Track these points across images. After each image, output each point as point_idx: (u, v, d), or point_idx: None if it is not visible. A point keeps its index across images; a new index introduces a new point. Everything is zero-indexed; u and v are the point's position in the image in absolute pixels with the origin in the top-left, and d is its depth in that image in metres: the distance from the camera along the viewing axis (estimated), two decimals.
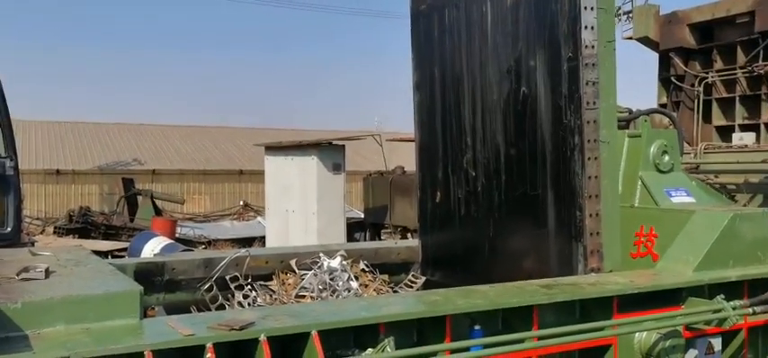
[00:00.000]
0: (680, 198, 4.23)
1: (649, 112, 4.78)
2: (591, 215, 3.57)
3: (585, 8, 3.57)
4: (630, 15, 14.01)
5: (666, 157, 4.33)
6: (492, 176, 4.15)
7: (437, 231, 4.69)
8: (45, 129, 28.11)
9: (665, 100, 11.36)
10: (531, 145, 3.86)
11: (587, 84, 3.54)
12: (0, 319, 2.19)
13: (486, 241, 4.19)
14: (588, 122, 3.55)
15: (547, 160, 3.78)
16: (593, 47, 3.56)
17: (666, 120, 7.55)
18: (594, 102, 3.57)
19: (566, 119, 3.63)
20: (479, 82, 4.23)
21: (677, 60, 11.06)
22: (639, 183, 4.27)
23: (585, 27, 3.56)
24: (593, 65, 3.56)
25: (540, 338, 2.95)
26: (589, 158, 3.56)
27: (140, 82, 61.59)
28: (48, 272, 2.81)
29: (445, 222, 4.57)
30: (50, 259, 3.18)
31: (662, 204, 4.14)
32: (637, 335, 3.25)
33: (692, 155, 9.33)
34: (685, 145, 8.91)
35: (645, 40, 11.61)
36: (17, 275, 2.75)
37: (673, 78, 11.18)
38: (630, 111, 5.77)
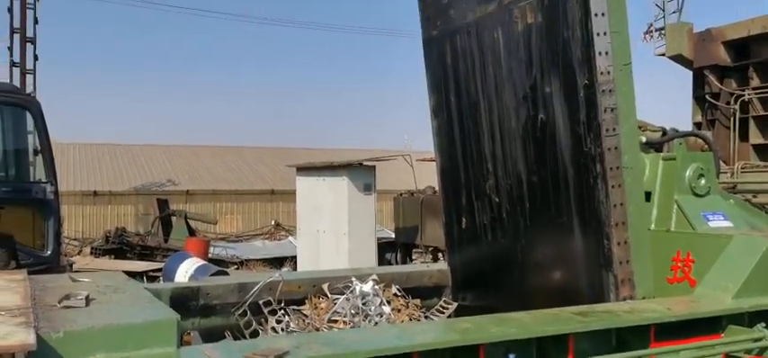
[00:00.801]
0: (717, 222, 4.15)
1: (683, 135, 4.71)
2: (619, 243, 3.49)
3: (598, 34, 3.46)
4: (663, 32, 13.86)
5: (703, 181, 4.26)
6: (516, 202, 4.09)
7: (466, 256, 4.67)
8: (82, 151, 28.78)
9: (699, 118, 11.19)
10: (553, 172, 3.78)
11: (606, 110, 3.45)
12: (43, 349, 2.24)
13: (515, 267, 4.16)
14: (609, 149, 3.46)
15: (570, 187, 3.72)
16: (608, 72, 3.46)
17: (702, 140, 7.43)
18: (614, 129, 3.48)
19: (586, 146, 3.54)
20: (496, 108, 4.16)
21: (712, 78, 10.92)
22: (675, 206, 4.20)
23: (600, 53, 3.46)
24: (611, 90, 3.47)
25: None
26: (613, 186, 3.47)
27: (174, 103, 62.78)
28: (88, 300, 2.87)
29: (473, 247, 4.55)
30: (90, 286, 3.25)
31: (699, 229, 4.07)
32: None
33: (729, 174, 9.16)
34: (722, 164, 8.75)
35: (678, 58, 11.48)
36: (59, 303, 2.81)
37: (708, 96, 11.02)
38: (664, 131, 5.69)
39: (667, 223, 4.24)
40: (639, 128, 6.55)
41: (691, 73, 11.33)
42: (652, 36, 16.16)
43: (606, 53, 3.46)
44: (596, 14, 3.44)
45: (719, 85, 10.80)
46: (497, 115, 4.16)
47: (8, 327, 2.27)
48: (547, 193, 3.86)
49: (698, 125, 10.83)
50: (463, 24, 4.29)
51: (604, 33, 3.45)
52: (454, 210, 4.70)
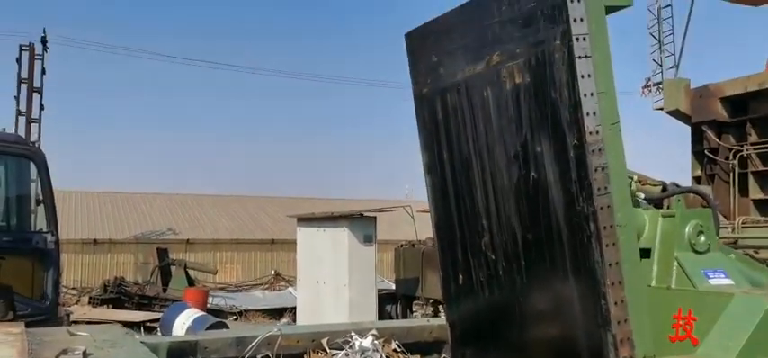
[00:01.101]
0: (718, 280, 4.13)
1: (683, 191, 4.73)
2: (616, 303, 3.46)
3: (585, 95, 3.47)
4: (660, 87, 14.04)
5: (702, 238, 4.25)
6: (512, 260, 4.07)
7: (464, 313, 4.63)
8: (84, 198, 28.84)
9: (699, 173, 11.24)
10: (547, 231, 3.77)
11: (596, 170, 3.44)
12: None
13: (514, 325, 4.13)
14: (601, 208, 3.44)
15: (565, 246, 3.70)
16: (597, 132, 3.47)
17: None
18: (606, 187, 3.46)
19: (578, 205, 3.54)
20: (488, 165, 4.16)
21: (710, 133, 11.00)
22: (675, 264, 4.19)
23: (587, 113, 3.46)
24: (600, 150, 3.47)
25: None
26: (607, 245, 3.46)
27: (176, 152, 63.19)
28: (85, 355, 2.85)
29: (471, 304, 4.51)
30: (88, 340, 3.24)
31: (700, 286, 4.05)
32: None
33: (730, 229, 9.16)
34: (723, 219, 8.75)
35: (676, 113, 11.61)
36: None
37: (706, 151, 11.09)
38: (664, 186, 5.71)
39: (668, 280, 4.22)
40: (639, 182, 6.58)
41: (689, 127, 11.44)
42: (650, 90, 16.38)
43: (594, 113, 3.47)
44: (582, 76, 3.46)
45: (718, 140, 10.88)
46: (490, 173, 4.15)
47: None
48: (542, 252, 3.85)
49: (697, 179, 10.87)
50: (453, 82, 4.29)
51: (591, 94, 3.47)
52: (451, 266, 4.66)
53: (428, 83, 4.52)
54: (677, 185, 5.56)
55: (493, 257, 4.16)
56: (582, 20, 3.45)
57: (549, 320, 3.90)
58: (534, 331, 4.00)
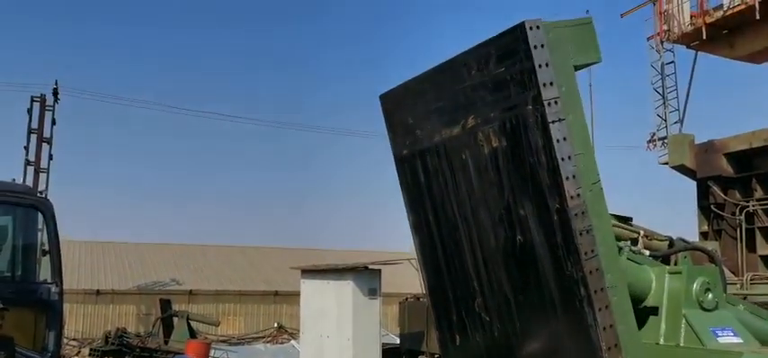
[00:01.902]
0: (727, 338, 4.09)
1: (687, 249, 4.72)
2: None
3: (563, 159, 3.39)
4: (665, 141, 14.08)
5: (710, 295, 4.23)
6: (506, 322, 3.96)
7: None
8: (88, 248, 28.80)
9: (705, 228, 11.20)
10: (538, 294, 3.68)
11: (581, 234, 3.37)
12: None
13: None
14: (591, 272, 3.37)
15: (558, 310, 3.61)
16: (578, 195, 3.39)
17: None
18: (593, 250, 3.39)
19: (567, 270, 3.46)
20: (474, 228, 4.06)
21: (716, 189, 11.00)
22: (684, 321, 4.16)
23: (567, 178, 3.39)
24: (583, 213, 3.39)
25: None
26: (600, 309, 3.37)
27: (180, 202, 63.42)
28: None
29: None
30: None
31: (708, 344, 4.01)
32: None
33: (739, 285, 9.07)
34: (731, 275, 8.67)
35: (681, 168, 11.63)
36: None
37: (713, 206, 11.08)
38: (671, 241, 5.68)
39: (677, 338, 4.18)
40: (646, 237, 6.55)
41: (694, 183, 11.45)
42: (655, 145, 16.44)
43: (573, 177, 3.40)
44: (558, 141, 3.38)
45: (724, 195, 10.88)
46: (477, 235, 4.05)
47: None
48: (536, 315, 3.76)
49: (704, 235, 10.83)
50: (431, 145, 4.19)
51: (569, 157, 3.40)
52: (446, 327, 4.55)
53: (407, 144, 4.41)
54: (684, 241, 5.55)
55: (488, 319, 4.07)
56: (551, 83, 3.39)
57: None
58: None
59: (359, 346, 13.39)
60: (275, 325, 26.06)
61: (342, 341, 13.65)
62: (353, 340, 13.39)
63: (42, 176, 17.53)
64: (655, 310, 4.38)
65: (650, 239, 6.89)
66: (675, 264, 4.62)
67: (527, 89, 3.42)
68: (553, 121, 3.37)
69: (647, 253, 4.95)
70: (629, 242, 5.07)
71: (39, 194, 11.47)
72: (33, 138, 17.71)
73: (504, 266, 3.89)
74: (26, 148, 17.49)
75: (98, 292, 24.91)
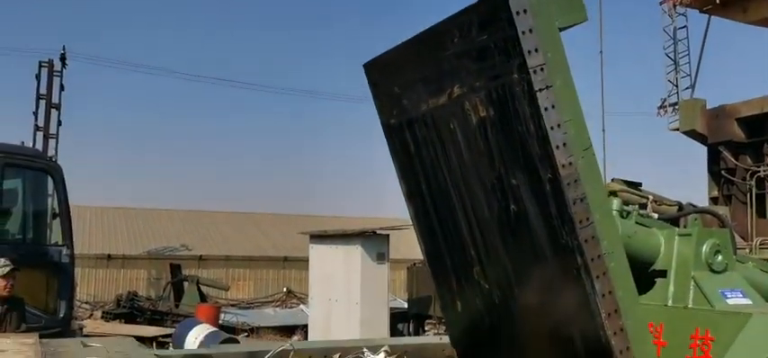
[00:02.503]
0: (736, 300, 4.08)
1: (699, 211, 4.69)
2: (615, 333, 3.38)
3: (552, 128, 3.29)
4: (676, 107, 13.96)
5: (719, 257, 4.21)
6: (506, 290, 3.94)
7: (466, 337, 4.54)
8: (98, 214, 29.06)
9: (716, 193, 11.15)
10: (535, 264, 3.65)
11: (574, 203, 3.29)
12: None
13: (516, 352, 4.05)
14: (586, 241, 3.31)
15: (555, 279, 3.57)
16: (569, 164, 3.30)
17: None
18: (588, 218, 3.32)
19: (562, 239, 3.40)
20: (467, 197, 3.99)
21: (727, 154, 10.93)
22: (692, 283, 4.15)
23: (557, 147, 3.29)
24: (576, 181, 3.31)
25: None
26: (597, 277, 3.32)
27: (190, 169, 63.64)
28: None
29: (472, 329, 4.42)
30: (101, 352, 3.24)
31: (717, 306, 4.00)
32: None
33: (748, 250, 9.05)
34: (740, 240, 8.64)
35: (692, 134, 11.54)
36: None
37: (723, 172, 11.02)
38: (680, 206, 5.64)
39: (685, 300, 4.18)
40: (655, 202, 6.52)
41: (705, 148, 11.37)
42: (666, 111, 16.29)
43: (563, 145, 3.30)
44: (546, 109, 3.28)
45: (734, 160, 10.80)
46: (470, 205, 3.99)
47: None
48: (533, 283, 3.73)
49: (714, 200, 10.78)
50: (419, 114, 4.09)
51: (558, 125, 3.30)
52: (447, 293, 4.54)
53: (394, 114, 4.33)
54: (693, 206, 5.50)
55: (487, 286, 4.04)
56: (536, 50, 3.28)
57: (551, 350, 3.81)
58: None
59: (367, 310, 13.50)
60: (284, 289, 26.31)
61: (350, 305, 13.77)
62: (362, 304, 13.50)
63: (51, 142, 17.60)
64: (663, 273, 4.37)
65: (659, 204, 6.85)
66: (685, 228, 4.60)
67: (511, 57, 3.33)
68: (540, 90, 3.27)
69: (656, 217, 4.93)
70: (637, 206, 5.04)
71: (49, 159, 11.51)
72: (42, 104, 17.76)
73: (499, 235, 3.83)
74: (35, 114, 17.56)
75: (109, 257, 25.19)
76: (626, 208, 4.65)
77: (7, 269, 5.49)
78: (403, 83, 4.16)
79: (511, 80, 3.37)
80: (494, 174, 3.71)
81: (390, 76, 4.25)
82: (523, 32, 3.26)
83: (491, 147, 3.66)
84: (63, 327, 6.91)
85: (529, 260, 3.71)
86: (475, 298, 4.19)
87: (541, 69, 3.27)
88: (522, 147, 3.45)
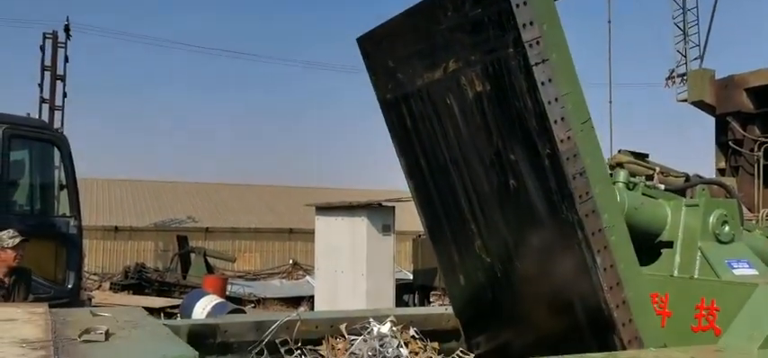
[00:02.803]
0: (742, 270, 4.07)
1: (705, 182, 4.67)
2: (617, 306, 3.37)
3: (549, 102, 3.21)
4: (685, 78, 13.85)
5: (727, 228, 4.20)
6: (507, 263, 3.92)
7: (471, 308, 4.55)
8: (105, 186, 29.20)
9: (723, 165, 11.10)
10: (537, 238, 3.62)
11: (574, 178, 3.23)
12: None
13: (520, 323, 4.06)
14: (587, 215, 3.28)
15: (557, 253, 3.54)
16: (568, 138, 3.23)
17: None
18: (587, 192, 3.27)
19: (563, 213, 3.36)
20: (466, 172, 3.93)
21: (735, 125, 10.84)
22: (699, 253, 4.15)
23: (555, 121, 3.21)
24: (575, 155, 3.24)
25: None
26: (598, 251, 3.30)
27: (197, 141, 63.76)
28: (108, 335, 2.88)
29: (476, 301, 4.43)
30: (110, 321, 3.27)
31: (723, 276, 4.00)
32: None
33: (755, 222, 9.01)
34: (747, 212, 8.61)
35: (700, 104, 11.45)
36: (79, 337, 2.83)
37: (731, 143, 10.94)
38: (687, 177, 5.61)
39: (691, 270, 4.17)
40: (661, 174, 6.48)
41: (713, 119, 11.30)
42: (674, 82, 16.17)
43: (561, 119, 3.23)
44: (543, 83, 3.19)
45: (743, 131, 10.72)
46: (469, 179, 3.93)
47: None
48: (535, 258, 3.70)
49: (721, 171, 10.74)
50: (415, 89, 3.99)
51: (556, 99, 3.21)
52: (449, 266, 4.52)
53: (390, 88, 4.23)
54: (700, 177, 5.48)
55: (489, 260, 4.01)
56: (531, 23, 3.18)
57: (553, 322, 3.82)
58: (541, 331, 3.91)
59: (373, 281, 13.58)
60: (290, 261, 26.46)
61: (356, 276, 13.85)
62: (367, 275, 13.57)
63: (57, 114, 17.61)
64: (670, 244, 4.37)
65: (666, 176, 6.82)
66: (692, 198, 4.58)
67: (506, 31, 3.23)
68: (536, 64, 3.18)
69: (663, 188, 4.91)
70: (644, 178, 5.03)
71: (55, 130, 11.52)
72: (47, 76, 17.73)
73: (499, 210, 3.79)
74: (40, 86, 17.55)
75: (116, 229, 25.34)
76: (633, 179, 4.63)
77: (18, 240, 5.51)
78: (397, 57, 4.06)
79: (506, 54, 3.28)
80: (492, 150, 3.64)
81: (384, 51, 4.14)
82: (518, 5, 3.16)
83: (488, 122, 3.59)
84: (72, 298, 6.99)
85: (530, 235, 3.68)
86: (477, 271, 4.18)
87: (537, 43, 3.17)
88: (520, 122, 3.37)
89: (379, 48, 4.18)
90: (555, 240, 3.52)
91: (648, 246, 4.44)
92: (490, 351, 4.38)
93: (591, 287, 3.40)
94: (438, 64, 3.73)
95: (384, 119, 4.41)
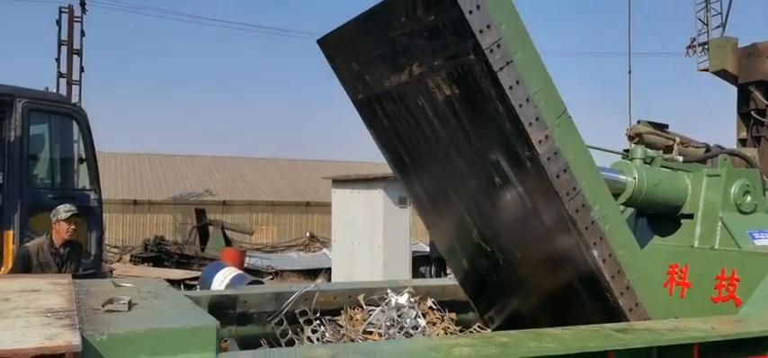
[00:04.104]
0: (764, 240, 4.04)
1: (725, 153, 4.61)
2: (621, 293, 3.32)
3: (520, 105, 3.04)
4: (706, 47, 13.62)
5: (748, 198, 4.16)
6: (507, 252, 3.84)
7: (480, 292, 4.53)
8: (123, 159, 29.44)
9: (744, 134, 10.93)
10: (533, 231, 3.51)
11: (558, 176, 3.12)
12: (87, 351, 2.29)
13: (526, 301, 4.04)
14: (577, 210, 3.19)
15: (554, 246, 3.47)
16: (546, 137, 3.10)
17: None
18: (574, 188, 3.16)
19: (552, 211, 3.29)
20: (450, 169, 3.80)
21: (758, 94, 10.65)
22: (720, 224, 4.11)
23: (529, 123, 3.06)
24: (555, 153, 3.12)
25: None
26: (594, 243, 3.23)
27: (212, 115, 64.00)
28: (130, 305, 2.92)
29: (483, 285, 4.42)
30: (132, 291, 3.32)
31: (744, 247, 3.97)
32: None
33: None
34: None
35: (722, 73, 11.25)
36: (102, 307, 2.88)
37: (753, 112, 10.76)
38: (707, 147, 5.54)
39: (711, 240, 4.15)
40: (681, 144, 6.40)
41: (735, 88, 11.12)
42: (695, 51, 15.91)
43: (536, 119, 3.07)
44: (511, 87, 3.01)
45: (765, 101, 10.54)
46: (456, 176, 3.81)
47: (54, 329, 2.33)
48: (535, 248, 3.62)
49: (743, 142, 10.59)
50: (384, 90, 3.79)
51: (527, 100, 3.04)
52: (452, 255, 4.48)
53: (359, 89, 4.04)
54: (721, 147, 5.41)
55: (489, 249, 3.94)
56: (488, 26, 2.95)
57: (563, 308, 3.78)
58: (549, 315, 3.88)
59: (389, 253, 13.63)
60: (307, 234, 26.61)
61: (373, 249, 13.90)
62: (384, 247, 13.62)
63: (75, 89, 17.73)
64: (690, 215, 4.34)
65: (686, 146, 6.74)
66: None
67: (464, 37, 3.01)
68: (501, 68, 2.99)
69: (682, 159, 4.86)
70: (661, 151, 4.97)
71: (73, 104, 11.61)
72: (64, 50, 17.82)
73: (491, 206, 3.69)
74: (57, 61, 17.65)
75: (135, 202, 25.60)
76: (650, 153, 4.59)
77: (71, 213, 5.73)
78: (360, 61, 3.86)
79: (468, 61, 3.09)
80: (472, 149, 3.52)
81: (346, 54, 3.93)
82: (471, 11, 2.93)
83: (464, 124, 3.44)
84: (94, 269, 7.09)
85: (525, 230, 3.60)
86: (481, 259, 4.10)
87: (498, 46, 2.97)
88: (494, 125, 3.23)
89: (339, 51, 3.96)
90: (549, 235, 3.45)
91: (669, 217, 4.42)
92: (503, 325, 4.39)
93: (593, 277, 3.35)
94: (402, 68, 3.52)
95: (360, 116, 4.20)
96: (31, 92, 7.27)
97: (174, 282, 13.45)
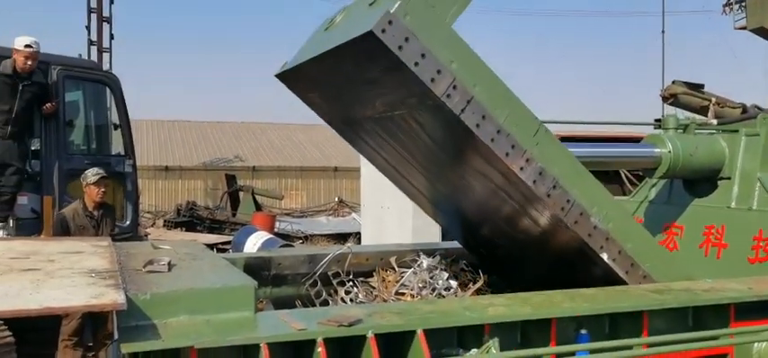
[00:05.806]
0: None
1: (764, 112, 4.51)
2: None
3: (492, 140, 2.92)
4: (743, 5, 13.22)
5: None
6: (517, 250, 3.93)
7: (502, 271, 4.57)
8: (155, 127, 29.84)
9: None
10: (530, 226, 3.50)
11: (548, 195, 3.08)
12: (131, 309, 2.36)
13: (535, 272, 4.08)
14: (576, 222, 3.18)
15: (562, 251, 3.51)
16: (526, 161, 3.02)
17: None
18: (568, 201, 3.12)
19: (551, 226, 3.31)
20: (444, 187, 3.83)
21: None
22: (758, 184, 4.04)
23: (507, 154, 2.96)
24: (541, 174, 3.06)
25: (649, 345, 2.86)
26: (601, 247, 3.23)
27: (241, 82, 64.27)
28: (170, 266, 3.00)
29: (498, 266, 4.47)
30: (171, 253, 3.40)
31: None
32: (755, 345, 3.09)
33: None
34: None
35: (760, 31, 10.94)
36: (143, 267, 2.96)
37: None
38: (744, 108, 5.40)
39: (749, 201, 4.08)
40: (717, 104, 6.26)
41: None
42: (732, 9, 15.44)
43: (512, 147, 2.97)
44: (478, 125, 2.89)
45: None
46: (449, 188, 3.83)
47: (100, 288, 2.41)
48: (537, 240, 3.61)
49: None
50: (356, 118, 3.70)
51: (498, 132, 2.93)
52: (468, 244, 4.59)
53: (333, 115, 3.98)
54: (759, 108, 5.28)
55: (501, 242, 4.05)
56: (439, 72, 2.79)
57: (577, 277, 3.78)
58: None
59: (419, 218, 13.63)
60: (336, 199, 26.79)
61: (402, 213, 13.92)
62: (414, 212, 13.63)
63: (105, 56, 17.92)
64: (728, 177, 4.27)
65: (722, 106, 6.59)
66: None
67: (417, 85, 2.85)
68: (462, 110, 2.85)
69: (716, 121, 4.77)
70: (693, 118, 4.89)
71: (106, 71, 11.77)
72: (94, 18, 17.98)
73: (490, 208, 3.68)
74: (87, 28, 17.80)
75: (167, 169, 26.00)
76: (682, 120, 4.51)
77: (99, 176, 5.87)
78: (323, 95, 3.78)
79: (428, 106, 2.96)
80: (458, 173, 3.49)
81: (307, 88, 3.84)
82: (417, 63, 2.76)
83: (445, 153, 3.38)
84: (131, 233, 7.25)
85: (526, 227, 3.59)
86: (495, 249, 4.22)
87: (454, 88, 2.83)
88: (474, 157, 3.16)
89: (298, 86, 3.86)
90: (554, 243, 3.48)
91: (707, 179, 4.35)
92: None
93: (609, 275, 3.35)
94: (365, 104, 3.43)
95: (343, 138, 4.17)
96: (65, 59, 7.36)
97: (207, 247, 13.70)
